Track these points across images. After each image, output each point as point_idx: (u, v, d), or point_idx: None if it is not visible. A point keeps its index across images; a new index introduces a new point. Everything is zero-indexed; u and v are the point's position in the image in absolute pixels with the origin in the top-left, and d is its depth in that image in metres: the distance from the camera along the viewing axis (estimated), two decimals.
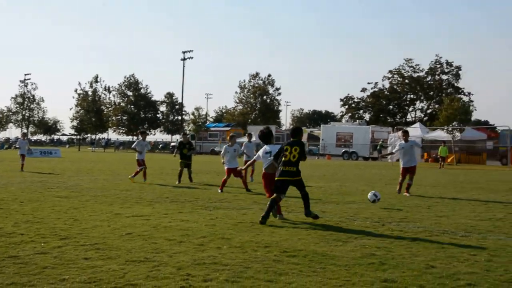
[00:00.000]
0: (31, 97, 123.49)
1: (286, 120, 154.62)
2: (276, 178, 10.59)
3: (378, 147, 51.29)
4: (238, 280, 6.07)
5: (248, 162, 13.46)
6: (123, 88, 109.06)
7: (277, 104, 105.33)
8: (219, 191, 16.27)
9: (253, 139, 21.01)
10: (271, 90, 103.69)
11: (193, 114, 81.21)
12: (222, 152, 17.71)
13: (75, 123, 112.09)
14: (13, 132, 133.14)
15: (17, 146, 26.93)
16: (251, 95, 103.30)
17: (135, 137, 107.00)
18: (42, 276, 6.12)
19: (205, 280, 6.06)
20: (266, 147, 11.56)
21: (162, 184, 18.89)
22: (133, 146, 21.01)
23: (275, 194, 10.55)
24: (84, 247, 7.73)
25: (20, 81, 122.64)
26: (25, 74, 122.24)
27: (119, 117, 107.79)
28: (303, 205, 10.55)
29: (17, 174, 22.78)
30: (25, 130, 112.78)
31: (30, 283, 5.82)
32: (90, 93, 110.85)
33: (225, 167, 17.09)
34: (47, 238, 8.41)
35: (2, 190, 15.75)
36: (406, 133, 16.48)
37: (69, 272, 6.29)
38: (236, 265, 6.79)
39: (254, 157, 12.08)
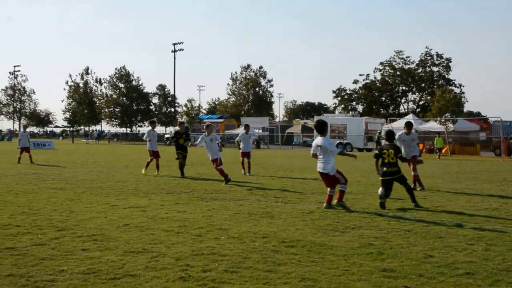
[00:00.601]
0: (22, 89, 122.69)
1: (279, 112, 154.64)
2: (381, 178, 11.61)
3: (376, 139, 51.35)
4: (237, 270, 6.07)
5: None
6: (115, 80, 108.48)
7: (269, 96, 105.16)
8: (225, 184, 15.96)
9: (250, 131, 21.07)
10: (263, 82, 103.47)
11: (186, 106, 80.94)
12: (198, 141, 17.01)
13: (67, 115, 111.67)
14: (4, 124, 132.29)
15: (18, 139, 26.72)
16: (243, 87, 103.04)
17: (128, 129, 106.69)
18: (41, 267, 6.09)
19: (204, 271, 6.05)
20: (319, 139, 11.18)
21: (158, 175, 18.81)
22: (145, 137, 20.97)
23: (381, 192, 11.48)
24: (82, 239, 7.71)
25: (10, 72, 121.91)
26: (14, 66, 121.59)
27: (112, 109, 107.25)
28: (410, 197, 11.56)
29: (11, 166, 22.66)
30: (24, 122, 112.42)
31: (28, 274, 5.80)
32: (81, 85, 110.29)
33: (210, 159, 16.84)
34: (44, 229, 8.38)
35: None
36: (410, 126, 15.49)
37: (68, 263, 6.27)
38: (235, 255, 6.79)
39: (311, 151, 11.50)
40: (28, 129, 31.04)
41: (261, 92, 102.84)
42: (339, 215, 10.17)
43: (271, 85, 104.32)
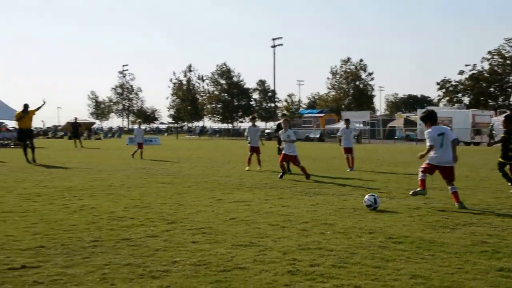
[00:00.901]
0: (130, 87, 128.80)
1: (380, 105, 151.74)
2: (502, 161, 12.35)
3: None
4: (345, 266, 6.03)
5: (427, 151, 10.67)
6: (216, 76, 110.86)
7: (370, 89, 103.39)
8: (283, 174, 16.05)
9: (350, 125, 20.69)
10: (363, 75, 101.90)
11: (286, 100, 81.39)
12: (282, 138, 17.09)
13: (172, 111, 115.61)
14: (114, 121, 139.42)
15: (134, 134, 28.12)
16: (344, 81, 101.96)
17: (229, 125, 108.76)
18: (155, 258, 6.38)
19: (311, 265, 6.06)
20: (441, 128, 10.53)
21: (260, 171, 19.03)
22: (245, 133, 21.06)
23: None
24: (191, 231, 7.97)
25: (119, 72, 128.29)
26: (123, 65, 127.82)
27: (214, 105, 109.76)
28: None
29: (122, 162, 23.77)
30: (136, 120, 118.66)
31: (144, 264, 6.09)
32: (184, 82, 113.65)
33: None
34: (156, 222, 8.74)
35: (110, 176, 16.53)
36: None
37: (180, 255, 6.51)
38: (342, 250, 6.75)
39: (429, 142, 10.43)
40: (142, 126, 32.60)
41: (361, 85, 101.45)
42: (448, 211, 9.82)
43: (372, 78, 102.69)
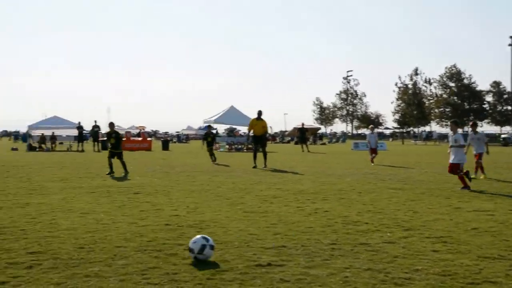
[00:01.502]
0: (354, 93, 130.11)
1: None
2: None
3: None
4: None
5: None
6: (445, 79, 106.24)
7: None
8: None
9: None
10: None
11: None
12: (450, 143, 15.58)
13: (397, 116, 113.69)
14: (338, 126, 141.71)
15: (368, 140, 28.35)
16: None
17: (459, 130, 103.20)
18: (395, 264, 6.20)
19: None
20: None
21: (499, 180, 17.57)
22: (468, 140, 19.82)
23: None
24: (430, 240, 7.62)
25: (343, 78, 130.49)
26: (347, 71, 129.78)
27: (442, 109, 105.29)
28: None
29: (349, 166, 23.87)
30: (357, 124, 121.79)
31: (384, 270, 5.95)
32: (410, 86, 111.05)
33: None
34: (391, 228, 8.54)
35: (339, 181, 16.70)
36: None
37: (421, 263, 6.25)
38: None
39: None
40: (375, 130, 32.86)
41: None
42: None
43: None
